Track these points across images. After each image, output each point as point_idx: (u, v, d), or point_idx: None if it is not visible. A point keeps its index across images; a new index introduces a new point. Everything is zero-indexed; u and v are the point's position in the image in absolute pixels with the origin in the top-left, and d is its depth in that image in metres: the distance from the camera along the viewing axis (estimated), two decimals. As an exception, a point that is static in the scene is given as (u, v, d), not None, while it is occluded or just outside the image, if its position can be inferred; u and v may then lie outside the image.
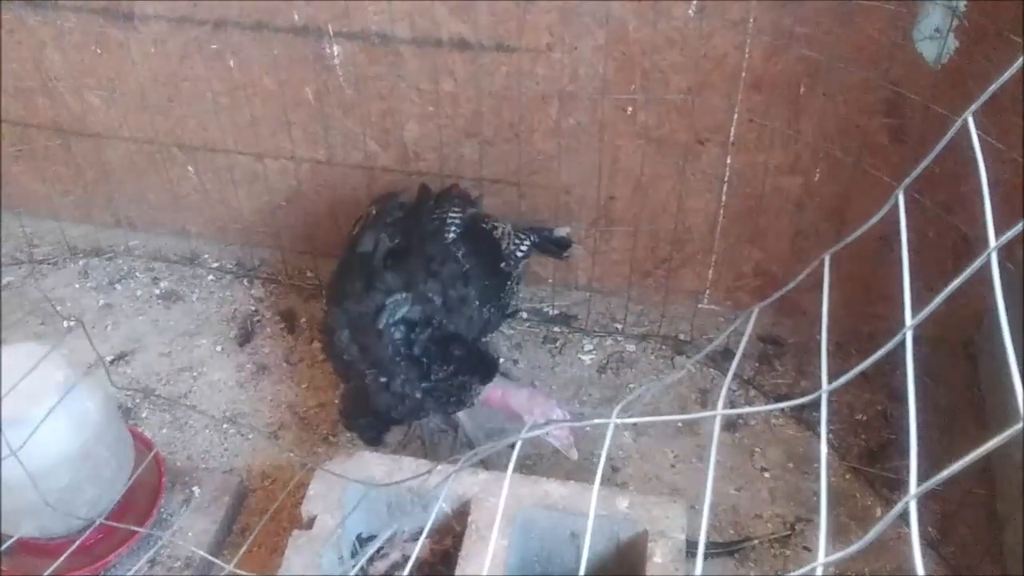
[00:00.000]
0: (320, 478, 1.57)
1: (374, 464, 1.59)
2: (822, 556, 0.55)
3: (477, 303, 1.73)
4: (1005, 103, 1.61)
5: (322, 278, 2.26)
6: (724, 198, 1.98)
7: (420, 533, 1.62)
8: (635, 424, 1.89)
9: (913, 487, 0.51)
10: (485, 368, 1.73)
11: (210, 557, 1.45)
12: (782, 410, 1.94)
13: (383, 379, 1.64)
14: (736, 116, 1.85)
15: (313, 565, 1.46)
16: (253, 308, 2.22)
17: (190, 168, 2.22)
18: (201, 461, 1.89)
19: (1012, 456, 1.73)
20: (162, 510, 1.72)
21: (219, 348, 2.12)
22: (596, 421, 0.74)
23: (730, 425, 1.96)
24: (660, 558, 1.46)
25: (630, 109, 1.89)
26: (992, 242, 0.59)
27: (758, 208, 1.97)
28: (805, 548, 1.79)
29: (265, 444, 1.94)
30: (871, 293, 2.00)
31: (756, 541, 1.79)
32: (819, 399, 0.69)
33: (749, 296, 2.13)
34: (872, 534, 0.53)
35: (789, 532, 1.80)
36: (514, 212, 2.05)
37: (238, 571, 1.09)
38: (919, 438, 0.57)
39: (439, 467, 1.32)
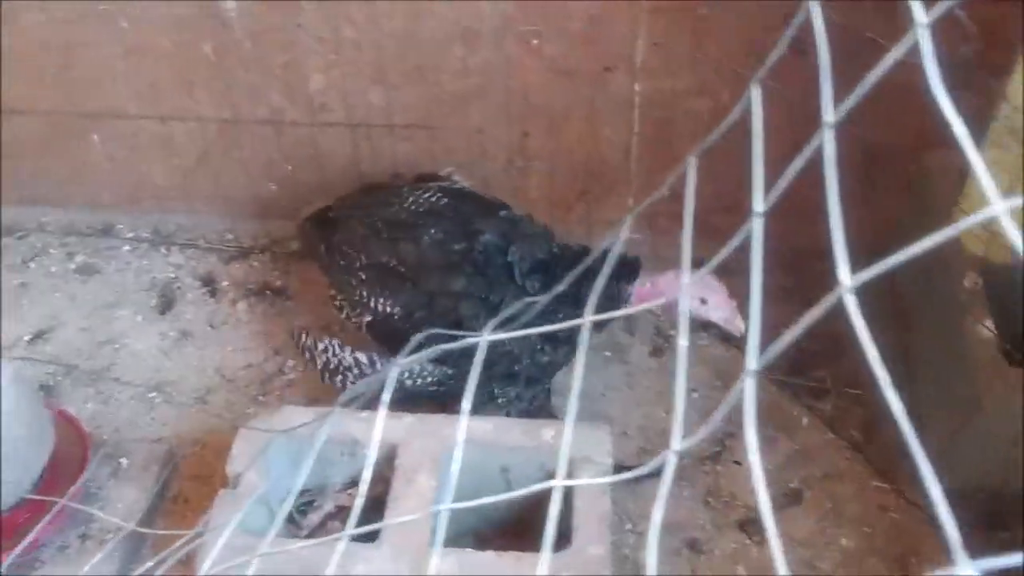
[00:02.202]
0: (244, 436, 1.56)
1: (298, 417, 1.58)
2: (675, 444, 0.54)
3: None
4: None
5: (241, 239, 2.23)
6: (636, 126, 1.97)
7: (350, 484, 1.62)
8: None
9: (752, 363, 0.51)
10: (629, 267, 1.68)
11: (137, 528, 1.43)
12: (705, 331, 1.96)
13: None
14: (640, 41, 1.84)
15: (242, 524, 1.45)
16: (172, 275, 2.18)
17: (95, 137, 2.16)
18: (128, 432, 1.86)
19: (932, 361, 1.77)
20: (89, 484, 1.69)
21: (140, 318, 2.09)
22: (470, 337, 0.73)
23: (656, 351, 1.98)
24: (584, 480, 1.47)
25: (535, 42, 1.87)
26: (829, 118, 0.59)
27: (670, 133, 1.97)
28: (735, 462, 1.82)
29: (194, 410, 1.92)
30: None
31: (687, 460, 1.82)
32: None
33: (669, 221, 2.13)
34: (717, 415, 0.53)
35: (719, 448, 1.83)
36: (428, 157, 2.03)
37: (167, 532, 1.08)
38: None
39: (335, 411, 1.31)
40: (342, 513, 1.61)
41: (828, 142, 0.60)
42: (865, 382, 1.87)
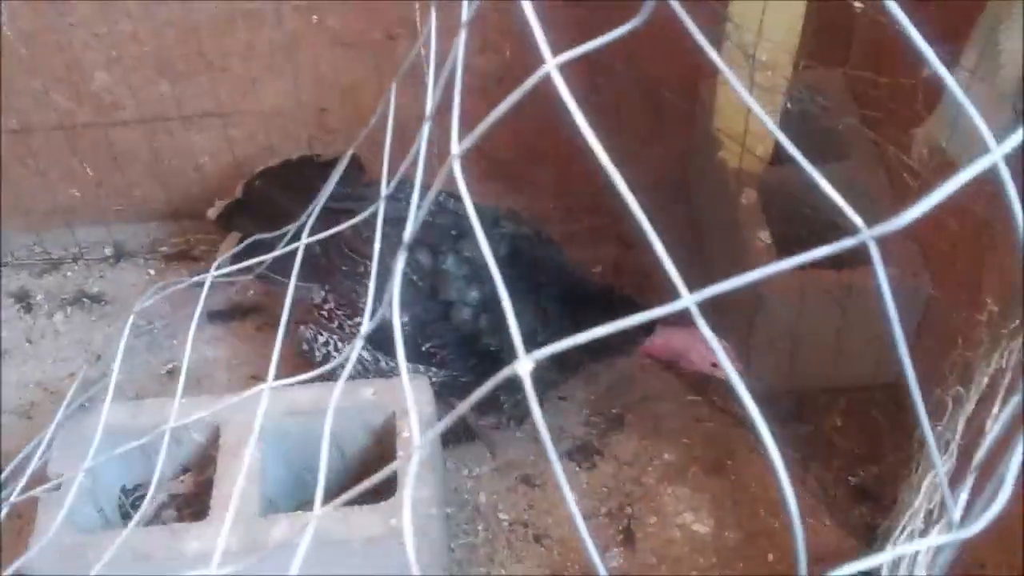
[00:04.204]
0: (62, 438, 1.55)
1: (115, 412, 1.58)
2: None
3: None
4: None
5: (50, 250, 2.18)
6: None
7: (181, 471, 1.63)
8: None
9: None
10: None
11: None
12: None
13: None
14: (418, 6, 1.89)
15: (66, 523, 1.45)
16: (-18, 296, 2.13)
17: None
18: (-48, 457, 1.82)
19: (723, 270, 1.89)
20: (-89, 513, 1.65)
21: (-49, 344, 2.03)
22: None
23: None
24: (407, 432, 1.53)
25: (315, 17, 1.89)
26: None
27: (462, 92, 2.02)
28: (561, 398, 1.91)
29: (20, 425, 1.88)
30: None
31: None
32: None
33: (481, 183, 2.20)
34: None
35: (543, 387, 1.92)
36: (226, 145, 2.03)
37: None
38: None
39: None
40: (175, 501, 1.62)
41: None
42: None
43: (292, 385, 1.66)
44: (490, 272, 1.71)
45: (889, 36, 1.31)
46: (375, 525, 1.43)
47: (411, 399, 0.71)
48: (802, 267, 1.57)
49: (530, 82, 0.53)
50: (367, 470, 1.70)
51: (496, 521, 1.73)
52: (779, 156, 1.82)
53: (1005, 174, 0.42)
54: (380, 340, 1.66)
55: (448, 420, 0.57)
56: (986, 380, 0.90)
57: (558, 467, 0.53)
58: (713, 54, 0.57)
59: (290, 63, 1.94)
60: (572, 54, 0.53)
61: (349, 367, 0.67)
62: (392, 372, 1.69)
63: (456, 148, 0.66)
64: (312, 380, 0.93)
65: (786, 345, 1.70)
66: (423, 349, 1.67)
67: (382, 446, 1.61)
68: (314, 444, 1.63)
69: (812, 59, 1.63)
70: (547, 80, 0.54)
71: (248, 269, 1.71)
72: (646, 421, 1.87)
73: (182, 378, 1.28)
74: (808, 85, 1.70)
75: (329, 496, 1.79)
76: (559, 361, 1.72)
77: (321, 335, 1.75)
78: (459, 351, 1.69)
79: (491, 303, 1.66)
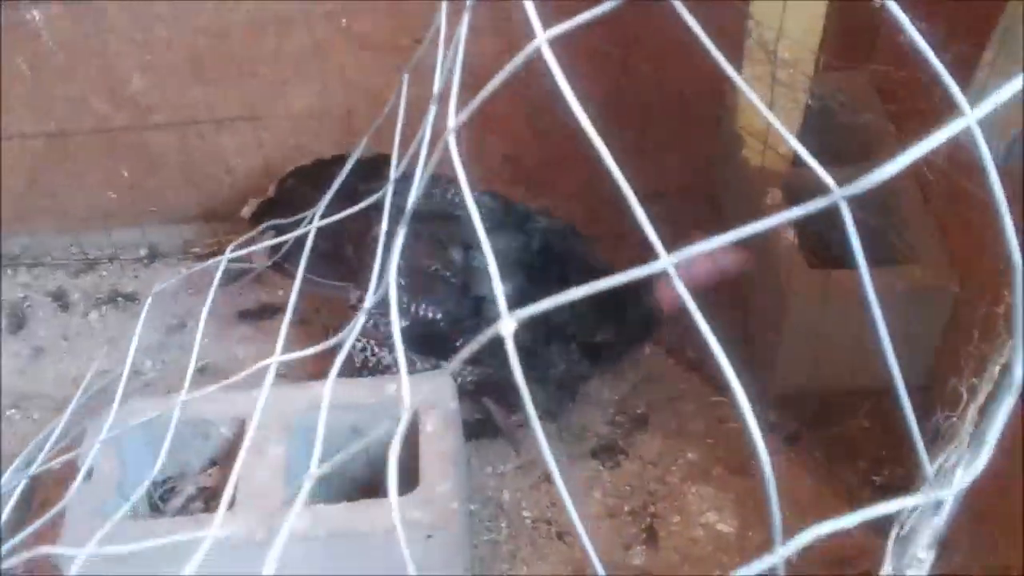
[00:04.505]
0: (93, 430, 1.58)
1: (145, 406, 1.61)
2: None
3: None
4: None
5: (87, 251, 2.23)
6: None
7: (209, 464, 1.66)
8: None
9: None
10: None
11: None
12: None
13: None
14: (445, 8, 1.91)
15: (97, 514, 1.48)
16: (21, 295, 2.18)
17: (-79, 167, 2.14)
18: (-12, 451, 1.86)
19: (751, 274, 1.89)
20: (-52, 505, 1.69)
21: (-9, 342, 2.08)
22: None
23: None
24: (431, 427, 1.54)
25: (344, 21, 1.93)
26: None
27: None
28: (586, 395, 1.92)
29: (53, 420, 1.92)
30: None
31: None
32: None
33: (508, 187, 2.22)
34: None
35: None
36: (256, 148, 2.07)
37: None
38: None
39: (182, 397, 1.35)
40: (203, 494, 1.65)
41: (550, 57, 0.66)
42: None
43: (312, 380, 1.69)
44: (522, 267, 1.72)
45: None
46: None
47: (406, 386, 0.72)
48: (826, 268, 1.56)
49: (521, 56, 0.55)
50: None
51: (519, 518, 1.74)
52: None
53: (979, 136, 0.42)
54: (413, 339, 1.66)
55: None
56: (997, 370, 0.89)
57: (549, 456, 0.54)
58: (709, 45, 0.58)
59: (319, 67, 1.97)
60: (564, 27, 0.55)
61: (350, 342, 0.68)
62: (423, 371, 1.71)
63: (452, 122, 0.68)
64: (317, 354, 0.94)
65: (811, 346, 1.69)
66: (457, 344, 1.69)
67: (407, 441, 1.63)
68: (338, 439, 1.66)
69: (839, 59, 1.63)
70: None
71: (267, 256, 1.72)
72: (670, 421, 1.87)
73: (191, 366, 1.31)
74: (832, 83, 1.69)
75: (361, 492, 1.80)
76: (588, 355, 1.73)
77: (359, 340, 1.74)
78: (491, 347, 1.70)
79: (522, 299, 1.66)
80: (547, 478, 1.79)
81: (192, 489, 1.64)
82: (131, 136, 2.08)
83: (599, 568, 0.54)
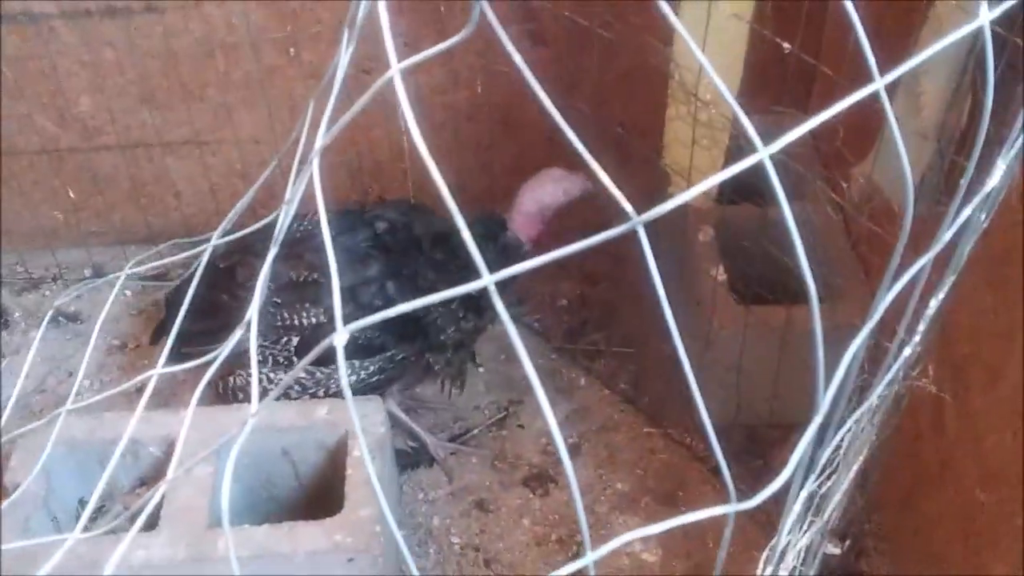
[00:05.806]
0: (21, 448, 1.59)
1: (75, 426, 1.62)
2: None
3: None
4: None
5: (31, 270, 2.24)
6: (402, 123, 2.08)
7: (139, 484, 1.67)
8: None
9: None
10: (495, 223, 1.77)
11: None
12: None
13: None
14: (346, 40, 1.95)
15: (23, 531, 1.49)
16: (-38, 313, 2.18)
17: None
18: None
19: (681, 305, 1.93)
20: None
21: (-72, 361, 2.08)
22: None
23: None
24: (358, 451, 1.56)
25: (292, 51, 1.96)
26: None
27: (432, 126, 2.08)
28: (519, 426, 1.94)
29: (-11, 439, 1.92)
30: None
31: (476, 430, 1.94)
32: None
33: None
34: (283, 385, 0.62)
35: (503, 415, 1.95)
36: (203, 172, 2.09)
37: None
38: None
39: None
40: (131, 513, 1.65)
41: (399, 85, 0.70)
42: (635, 342, 2.02)
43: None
44: (376, 252, 1.79)
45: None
46: (319, 540, 1.46)
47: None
48: (748, 304, 1.60)
49: (376, 86, 0.58)
50: (320, 487, 1.74)
51: (448, 544, 1.76)
52: (735, 194, 1.87)
53: (771, 169, 0.46)
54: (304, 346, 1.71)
55: (278, 391, 0.61)
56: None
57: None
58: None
59: (268, 94, 2.01)
60: (415, 59, 0.58)
61: (224, 355, 0.71)
62: (327, 379, 1.74)
63: (319, 143, 0.71)
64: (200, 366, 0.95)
65: (733, 380, 1.73)
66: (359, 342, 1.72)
67: (335, 464, 1.65)
68: (268, 461, 1.68)
69: (778, 103, 1.68)
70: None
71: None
72: (602, 450, 1.90)
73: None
74: (756, 124, 1.74)
75: (285, 514, 1.80)
76: (473, 310, 1.76)
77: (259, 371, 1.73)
78: (398, 336, 1.75)
79: (381, 278, 1.73)
80: (477, 505, 1.82)
81: (120, 508, 1.65)
82: (78, 157, 2.09)
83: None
